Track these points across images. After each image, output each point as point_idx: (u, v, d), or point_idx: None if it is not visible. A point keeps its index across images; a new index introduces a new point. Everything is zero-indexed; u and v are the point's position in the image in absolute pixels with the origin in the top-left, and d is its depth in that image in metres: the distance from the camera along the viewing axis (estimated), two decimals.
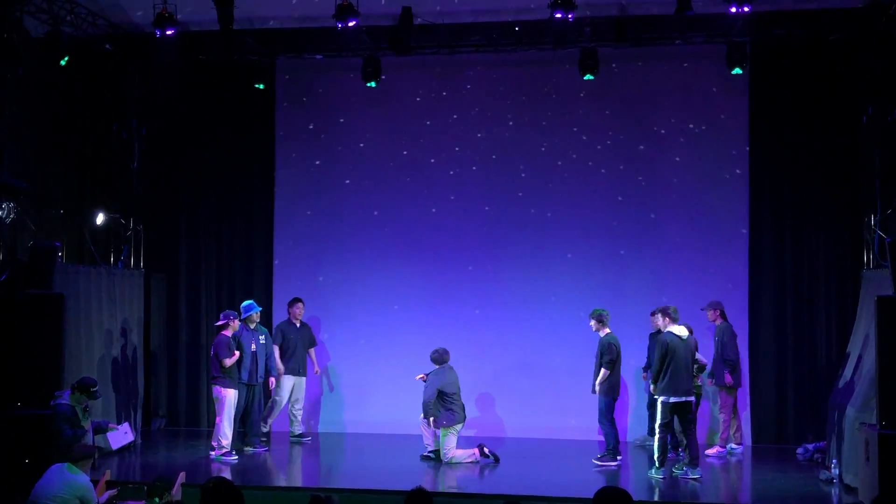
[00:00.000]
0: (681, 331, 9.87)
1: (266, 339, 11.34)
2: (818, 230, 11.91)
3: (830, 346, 11.75)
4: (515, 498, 5.17)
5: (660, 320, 10.24)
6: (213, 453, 10.72)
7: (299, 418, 12.07)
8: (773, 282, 12.01)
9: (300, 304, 12.03)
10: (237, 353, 10.78)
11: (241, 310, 11.20)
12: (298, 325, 12.03)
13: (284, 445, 11.84)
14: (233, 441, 10.82)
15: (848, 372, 10.28)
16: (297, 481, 10.47)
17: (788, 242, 12.01)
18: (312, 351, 12.19)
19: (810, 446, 10.99)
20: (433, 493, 5.25)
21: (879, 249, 10.47)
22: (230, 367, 10.69)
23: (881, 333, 8.19)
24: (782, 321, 11.98)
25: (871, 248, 10.89)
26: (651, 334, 11.12)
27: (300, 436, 12.00)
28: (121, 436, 11.02)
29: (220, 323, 10.94)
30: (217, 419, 10.81)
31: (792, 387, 11.90)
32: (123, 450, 11.09)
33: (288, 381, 11.88)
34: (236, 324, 10.89)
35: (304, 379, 12.05)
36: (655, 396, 9.96)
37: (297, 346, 11.91)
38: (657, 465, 9.77)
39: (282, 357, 11.81)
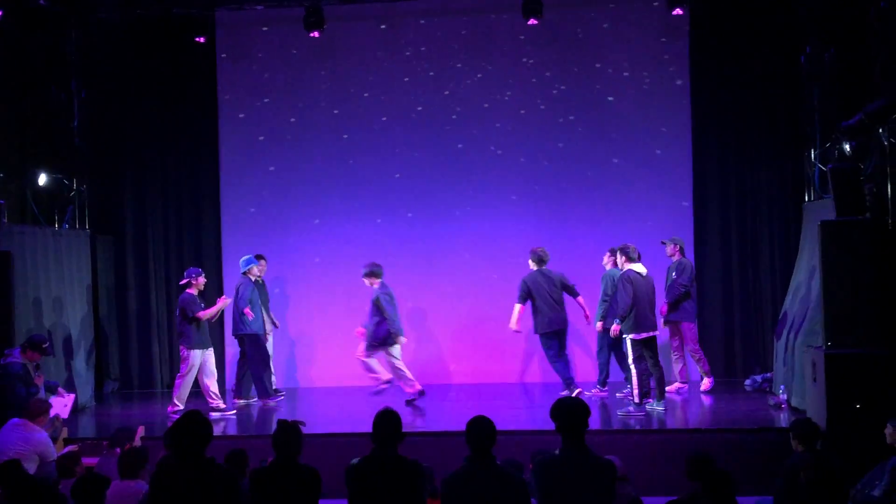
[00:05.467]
0: (641, 268, 9.94)
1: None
2: (760, 167, 12.15)
3: (775, 280, 12.05)
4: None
5: (619, 259, 10.12)
6: (169, 409, 10.58)
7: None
8: (718, 219, 12.27)
9: (263, 262, 11.66)
10: (207, 311, 10.61)
11: (241, 263, 11.19)
12: (260, 282, 11.78)
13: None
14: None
15: (792, 302, 10.59)
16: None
17: (732, 180, 12.25)
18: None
19: (758, 377, 11.28)
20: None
21: (820, 182, 10.75)
22: (199, 325, 10.51)
23: (825, 256, 8.43)
24: (728, 258, 12.25)
25: (812, 182, 11.17)
26: (603, 276, 11.14)
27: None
28: (60, 406, 10.80)
29: (183, 281, 10.82)
30: (178, 378, 10.63)
31: (738, 322, 12.20)
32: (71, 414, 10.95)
33: None
34: (200, 281, 10.74)
35: (269, 336, 11.83)
36: (624, 336, 9.82)
37: (257, 305, 11.55)
38: (640, 399, 9.69)
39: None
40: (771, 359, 11.13)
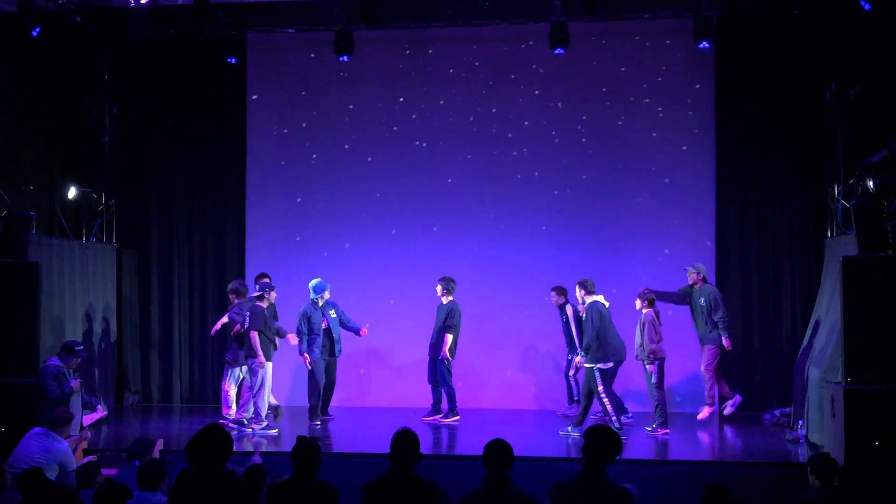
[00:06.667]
0: (603, 300, 10.33)
1: (336, 313, 11.45)
2: (783, 201, 12.15)
3: (795, 314, 12.02)
4: None
5: (578, 293, 10.49)
6: (254, 426, 10.56)
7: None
8: (739, 253, 12.26)
9: (267, 280, 11.60)
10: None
11: (313, 289, 11.26)
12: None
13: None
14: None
15: (812, 337, 10.55)
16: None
17: (754, 214, 12.25)
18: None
19: (777, 411, 11.25)
20: None
21: (843, 218, 10.75)
22: (263, 339, 10.60)
23: (846, 292, 8.43)
24: (748, 292, 12.22)
25: (835, 217, 11.16)
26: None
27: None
28: (88, 421, 10.89)
29: (255, 294, 10.87)
30: (256, 393, 10.63)
31: (757, 355, 12.16)
32: (95, 423, 11.05)
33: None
34: (272, 296, 10.82)
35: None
36: (588, 365, 10.17)
37: (267, 322, 11.79)
38: (620, 423, 10.07)
39: None
40: (790, 393, 11.09)
